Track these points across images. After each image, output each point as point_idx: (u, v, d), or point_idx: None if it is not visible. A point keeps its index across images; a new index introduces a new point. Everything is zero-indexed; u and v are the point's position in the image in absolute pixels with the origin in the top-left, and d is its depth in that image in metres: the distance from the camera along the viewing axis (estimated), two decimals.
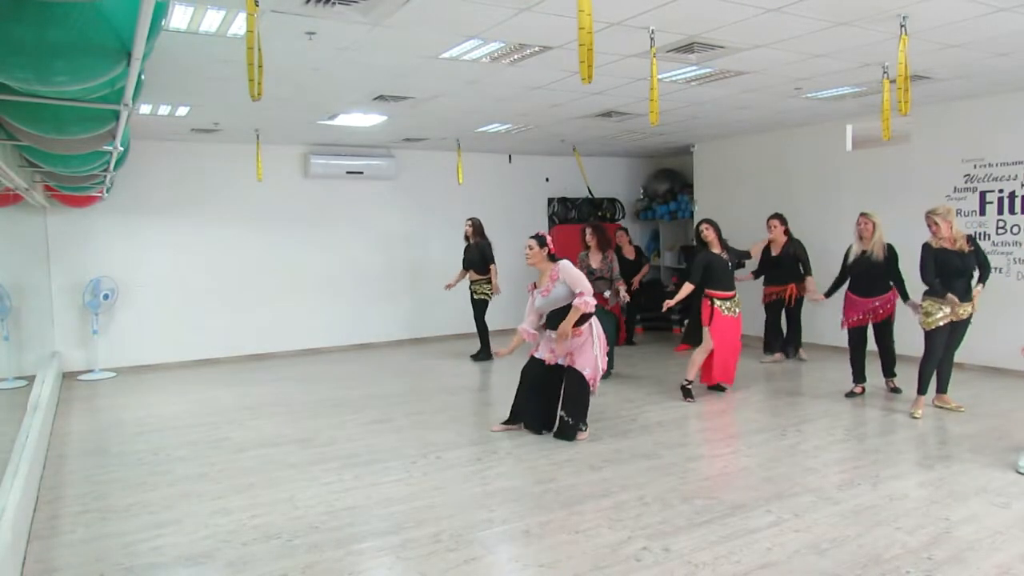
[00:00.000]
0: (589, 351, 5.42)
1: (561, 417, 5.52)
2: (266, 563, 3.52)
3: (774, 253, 8.22)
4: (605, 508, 4.11)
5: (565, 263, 5.43)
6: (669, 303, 6.51)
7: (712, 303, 6.61)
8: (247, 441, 5.70)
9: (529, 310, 5.57)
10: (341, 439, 5.69)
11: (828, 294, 6.81)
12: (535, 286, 5.55)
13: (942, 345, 5.75)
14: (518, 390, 5.72)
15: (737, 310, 6.71)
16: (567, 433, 5.48)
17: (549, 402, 5.60)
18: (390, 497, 4.37)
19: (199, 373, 8.80)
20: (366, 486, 4.58)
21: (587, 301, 5.23)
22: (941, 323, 5.67)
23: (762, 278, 8.49)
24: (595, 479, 4.61)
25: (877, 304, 6.46)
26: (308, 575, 3.39)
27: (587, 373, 5.40)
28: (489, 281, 8.91)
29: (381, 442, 5.57)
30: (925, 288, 5.76)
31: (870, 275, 6.40)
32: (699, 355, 6.69)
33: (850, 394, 6.64)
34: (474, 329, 9.16)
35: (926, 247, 5.73)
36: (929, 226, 5.70)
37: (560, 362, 5.51)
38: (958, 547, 3.52)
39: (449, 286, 9.26)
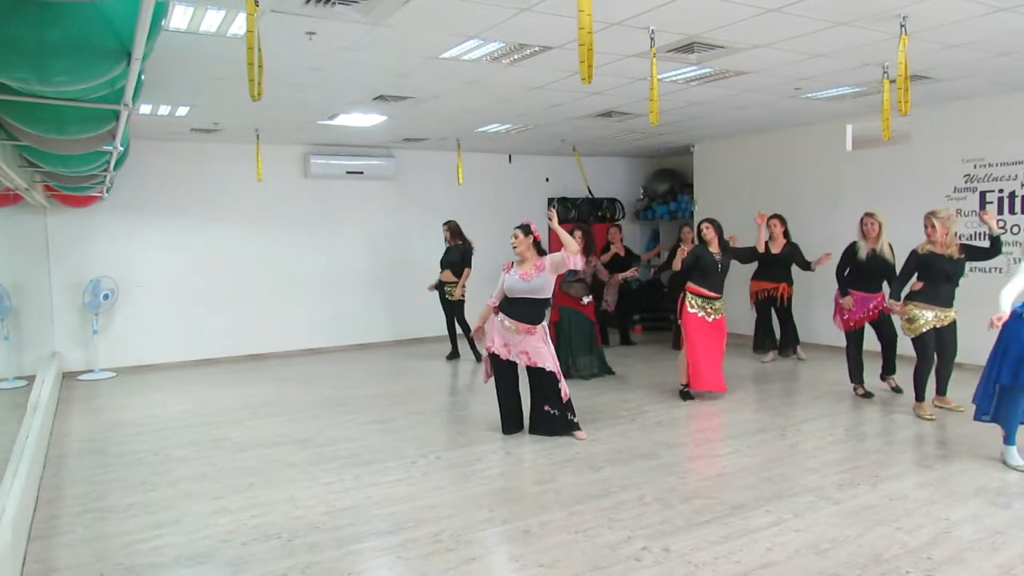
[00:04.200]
0: (546, 350, 5.42)
1: (546, 412, 5.49)
2: (266, 563, 3.52)
3: (774, 251, 8.20)
4: (605, 508, 4.11)
5: (552, 255, 5.40)
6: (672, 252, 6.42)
7: (685, 297, 6.54)
8: (247, 441, 5.70)
9: (499, 290, 5.52)
10: (341, 439, 5.69)
11: (844, 292, 6.53)
12: (512, 266, 5.49)
13: (932, 349, 5.75)
14: (497, 390, 5.68)
15: (714, 316, 6.53)
16: (556, 426, 5.46)
17: (518, 399, 5.65)
18: (390, 497, 4.37)
19: (199, 373, 8.80)
20: (366, 486, 4.58)
21: (575, 259, 5.21)
22: (924, 329, 5.68)
23: (751, 276, 8.49)
24: (595, 479, 4.61)
25: (877, 302, 6.46)
26: (308, 575, 3.39)
27: (549, 367, 5.40)
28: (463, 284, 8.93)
29: (381, 442, 5.57)
30: (908, 291, 5.77)
31: (879, 273, 6.37)
32: (682, 355, 6.67)
33: (866, 395, 6.57)
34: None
35: (913, 253, 5.75)
36: (926, 227, 5.69)
37: (513, 359, 5.44)
38: (958, 547, 3.52)
39: (432, 288, 9.25)
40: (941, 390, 6.05)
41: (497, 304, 5.51)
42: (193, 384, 8.14)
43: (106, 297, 8.57)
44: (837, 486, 4.38)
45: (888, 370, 6.77)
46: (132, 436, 5.97)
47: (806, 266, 8.05)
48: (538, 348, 5.41)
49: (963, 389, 6.50)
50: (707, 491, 4.36)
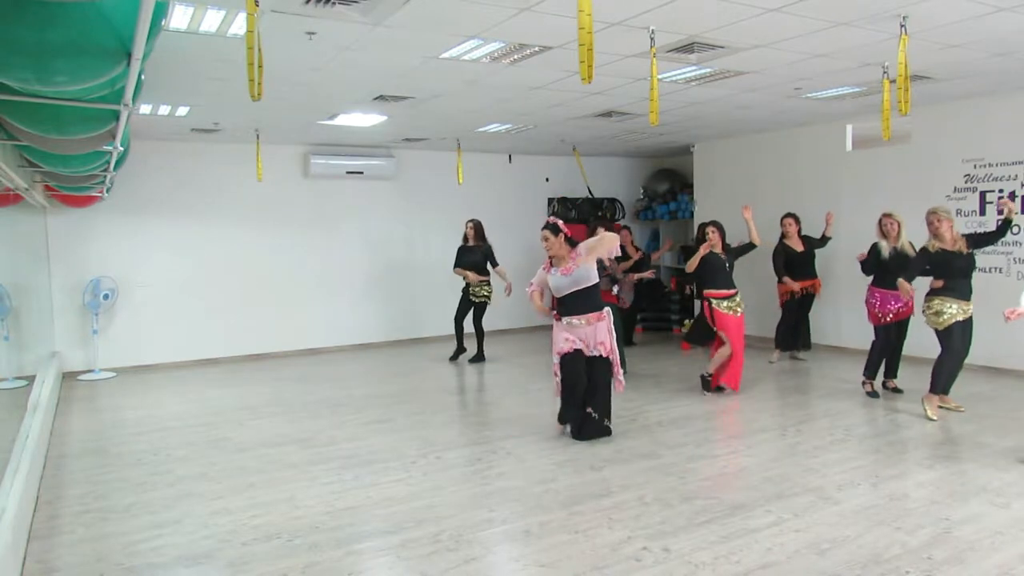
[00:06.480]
0: (612, 338, 5.42)
1: (587, 413, 5.40)
2: (266, 563, 3.52)
3: (798, 250, 8.22)
4: (605, 508, 4.11)
5: (585, 242, 5.40)
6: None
7: (710, 303, 6.65)
8: (247, 441, 5.70)
9: (538, 278, 5.52)
10: (341, 439, 5.69)
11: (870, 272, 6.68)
12: (551, 264, 5.45)
13: (960, 340, 5.70)
14: (563, 389, 5.48)
15: (739, 310, 6.70)
16: (595, 430, 5.41)
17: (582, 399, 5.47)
18: (390, 497, 4.37)
19: (199, 373, 8.80)
20: (366, 486, 4.58)
21: (613, 249, 5.41)
22: (951, 322, 5.65)
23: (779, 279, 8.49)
24: (595, 479, 4.61)
25: (904, 301, 6.44)
26: (308, 575, 3.39)
27: (615, 358, 5.41)
28: (489, 283, 8.89)
29: (381, 442, 5.57)
30: (929, 289, 5.77)
31: (903, 269, 6.37)
32: (724, 351, 6.70)
33: (872, 393, 6.57)
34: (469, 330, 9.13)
35: (924, 251, 5.77)
36: (931, 223, 5.68)
37: (594, 353, 5.36)
38: (958, 547, 3.52)
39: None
40: (944, 389, 6.04)
41: (538, 290, 5.55)
42: (193, 384, 8.14)
43: (106, 297, 8.57)
44: (837, 486, 4.38)
45: (891, 373, 6.77)
46: (132, 436, 5.97)
47: (824, 241, 8.16)
48: (607, 334, 5.38)
49: (963, 389, 6.51)
50: (707, 491, 4.36)
